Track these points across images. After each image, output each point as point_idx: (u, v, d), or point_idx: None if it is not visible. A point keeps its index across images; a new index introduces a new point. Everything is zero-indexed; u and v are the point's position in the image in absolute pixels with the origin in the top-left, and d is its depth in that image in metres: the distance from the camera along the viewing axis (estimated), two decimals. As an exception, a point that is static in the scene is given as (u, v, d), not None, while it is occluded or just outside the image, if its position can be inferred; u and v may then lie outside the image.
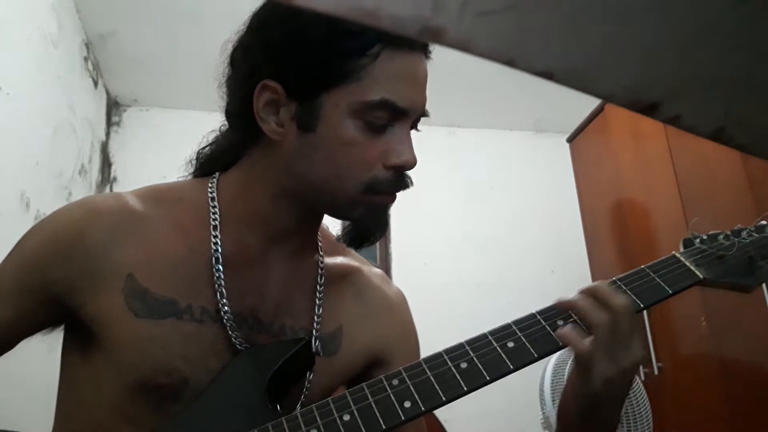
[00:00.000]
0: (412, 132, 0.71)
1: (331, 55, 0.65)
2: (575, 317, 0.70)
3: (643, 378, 1.91)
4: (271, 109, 0.68)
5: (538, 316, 0.72)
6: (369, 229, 0.72)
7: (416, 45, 0.67)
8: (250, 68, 0.69)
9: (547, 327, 0.70)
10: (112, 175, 2.84)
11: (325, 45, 0.64)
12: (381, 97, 0.65)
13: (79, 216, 0.70)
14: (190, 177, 0.81)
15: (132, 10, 2.38)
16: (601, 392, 0.65)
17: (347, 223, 0.74)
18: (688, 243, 0.81)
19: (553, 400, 1.66)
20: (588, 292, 0.70)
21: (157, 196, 0.74)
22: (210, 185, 0.75)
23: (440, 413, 2.22)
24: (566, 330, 0.68)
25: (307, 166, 0.68)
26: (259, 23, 0.70)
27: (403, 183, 0.70)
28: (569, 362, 1.71)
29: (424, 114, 0.71)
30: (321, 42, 0.64)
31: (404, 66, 0.67)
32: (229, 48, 0.72)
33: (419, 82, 0.69)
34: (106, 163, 2.83)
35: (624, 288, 0.72)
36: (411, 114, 0.68)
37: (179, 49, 2.56)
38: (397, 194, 0.71)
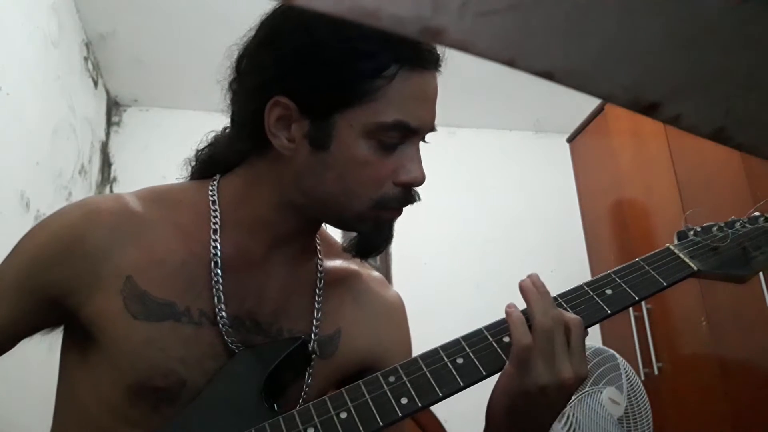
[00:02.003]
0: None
1: (346, 76, 0.64)
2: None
3: (643, 378, 1.91)
4: (283, 125, 0.67)
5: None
6: (375, 242, 0.73)
7: (431, 64, 0.68)
8: (261, 82, 0.68)
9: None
10: (112, 175, 2.84)
11: (340, 65, 0.64)
12: (395, 118, 0.65)
13: (79, 217, 0.70)
14: (188, 178, 0.80)
15: (132, 10, 2.38)
16: (535, 395, 0.64)
17: (353, 234, 0.74)
18: (682, 235, 0.82)
19: (553, 400, 1.66)
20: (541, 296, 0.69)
21: (158, 197, 0.74)
22: (210, 188, 0.75)
23: (440, 413, 2.22)
24: (515, 316, 0.67)
25: (316, 183, 0.68)
26: (269, 36, 0.69)
27: (411, 198, 0.71)
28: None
29: (433, 129, 0.72)
30: (336, 62, 0.64)
31: (418, 86, 0.67)
32: (235, 53, 0.71)
33: (431, 100, 0.70)
34: (106, 163, 2.83)
35: (566, 306, 0.71)
36: (422, 132, 0.69)
37: (179, 49, 2.56)
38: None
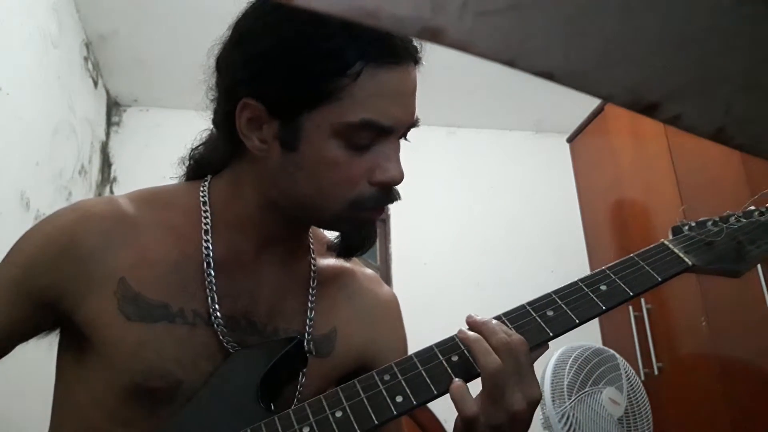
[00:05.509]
0: (410, 132, 0.71)
1: (310, 76, 0.63)
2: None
3: (643, 378, 1.91)
4: (254, 126, 0.67)
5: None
6: (356, 242, 0.73)
7: (401, 58, 0.65)
8: (232, 84, 0.68)
9: (537, 318, 0.70)
10: (112, 175, 2.84)
11: (303, 65, 0.63)
12: (362, 118, 0.63)
13: (72, 221, 0.70)
14: (182, 179, 0.81)
15: (132, 10, 2.38)
16: (509, 421, 0.63)
17: (337, 234, 0.74)
18: (676, 230, 0.82)
19: (553, 401, 1.66)
20: (478, 331, 0.67)
21: (150, 199, 0.74)
22: (201, 189, 0.75)
23: (440, 413, 2.22)
24: (457, 386, 0.64)
25: (291, 183, 0.68)
26: (239, 37, 0.68)
27: (390, 198, 0.69)
28: (569, 362, 1.71)
29: (414, 125, 0.69)
30: (300, 62, 0.63)
31: (388, 82, 0.64)
32: (215, 53, 0.71)
33: (405, 96, 0.67)
34: (106, 163, 2.83)
35: (508, 325, 0.69)
36: (396, 130, 0.67)
37: (179, 49, 2.56)
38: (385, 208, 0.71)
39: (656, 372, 1.95)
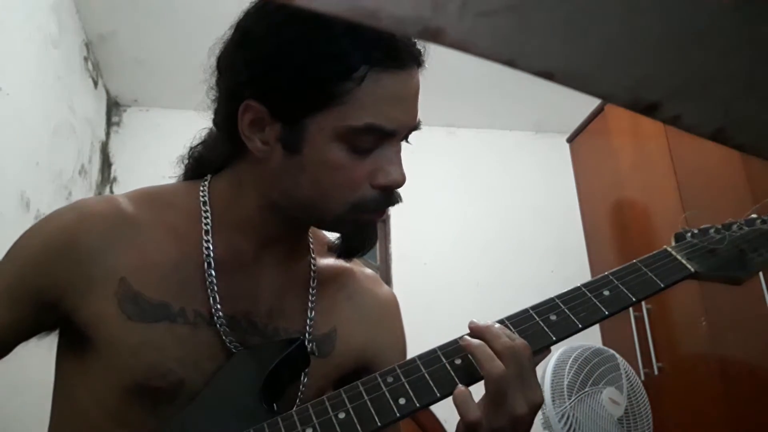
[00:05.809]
0: (410, 134, 0.71)
1: (314, 80, 0.63)
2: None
3: (643, 378, 1.91)
4: (256, 128, 0.67)
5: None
6: (357, 244, 0.73)
7: (405, 63, 0.66)
8: (234, 85, 0.68)
9: (541, 323, 0.70)
10: (112, 175, 2.84)
11: (307, 69, 0.63)
12: (366, 122, 0.63)
13: (72, 221, 0.70)
14: (181, 177, 0.81)
15: (132, 10, 2.38)
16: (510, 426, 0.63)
17: (338, 235, 0.75)
18: (679, 237, 0.82)
19: (553, 401, 1.66)
20: (481, 336, 0.66)
21: (150, 199, 0.74)
22: (201, 189, 0.75)
23: (440, 413, 2.22)
24: (460, 391, 0.64)
25: (293, 186, 0.68)
26: (242, 38, 0.68)
27: (391, 201, 0.69)
28: (569, 362, 1.71)
29: (416, 128, 0.70)
30: (304, 66, 0.63)
31: (391, 87, 0.65)
32: (216, 52, 0.71)
33: (408, 100, 0.67)
34: (106, 163, 2.83)
35: (512, 328, 0.69)
36: (399, 134, 0.67)
37: (179, 49, 2.56)
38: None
39: (656, 372, 1.95)
